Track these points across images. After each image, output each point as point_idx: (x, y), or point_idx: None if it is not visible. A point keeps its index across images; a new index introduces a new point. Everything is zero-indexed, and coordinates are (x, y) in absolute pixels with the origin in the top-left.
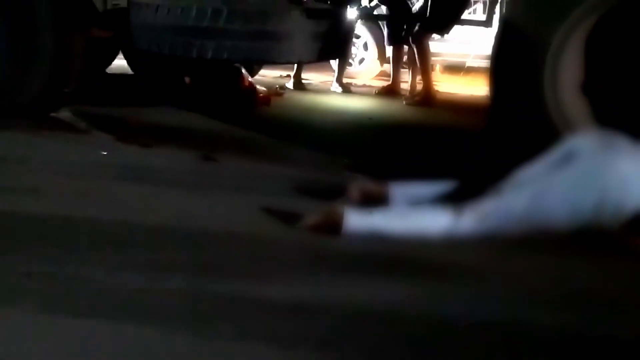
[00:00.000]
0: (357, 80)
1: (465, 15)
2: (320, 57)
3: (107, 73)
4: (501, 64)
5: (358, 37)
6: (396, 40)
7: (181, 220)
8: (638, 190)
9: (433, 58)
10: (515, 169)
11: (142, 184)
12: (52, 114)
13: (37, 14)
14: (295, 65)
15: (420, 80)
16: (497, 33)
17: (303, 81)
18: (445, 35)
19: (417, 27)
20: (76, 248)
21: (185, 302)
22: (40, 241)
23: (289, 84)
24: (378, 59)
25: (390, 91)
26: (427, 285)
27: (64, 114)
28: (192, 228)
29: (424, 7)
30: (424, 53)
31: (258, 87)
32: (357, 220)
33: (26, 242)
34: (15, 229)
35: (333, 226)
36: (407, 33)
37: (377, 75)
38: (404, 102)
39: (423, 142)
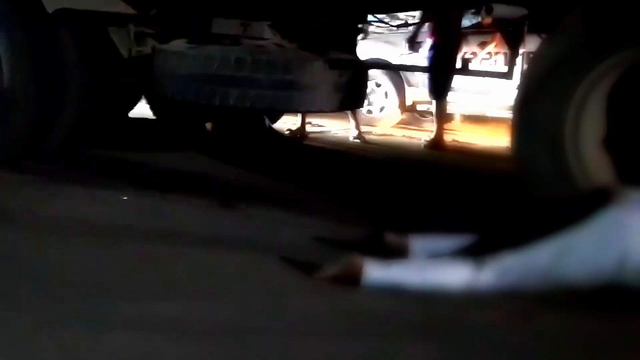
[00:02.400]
0: (376, 129)
1: (486, 66)
2: (341, 107)
3: (130, 117)
4: (523, 117)
5: (379, 85)
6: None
7: (197, 272)
8: None
9: (453, 108)
10: (537, 224)
11: (160, 232)
12: (77, 158)
13: (64, 60)
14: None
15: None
16: (520, 86)
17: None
18: (466, 86)
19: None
20: (78, 300)
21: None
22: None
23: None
24: (399, 107)
25: (436, 145)
26: (444, 344)
27: (89, 158)
28: (209, 280)
29: None
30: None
31: (279, 132)
32: (376, 272)
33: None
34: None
35: (352, 277)
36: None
37: (397, 124)
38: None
39: (444, 193)
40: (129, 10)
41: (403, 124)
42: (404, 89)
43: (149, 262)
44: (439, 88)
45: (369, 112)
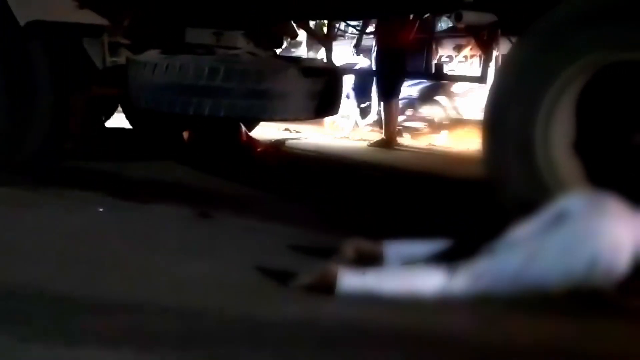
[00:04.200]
0: (354, 133)
1: (461, 70)
2: (316, 114)
3: (106, 127)
4: (493, 122)
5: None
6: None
7: (174, 284)
8: (629, 250)
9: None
10: (508, 228)
11: (136, 244)
12: (52, 170)
13: (36, 72)
14: None
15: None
16: (490, 89)
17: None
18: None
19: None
20: (61, 316)
21: None
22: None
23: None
24: (377, 114)
25: (384, 144)
26: (418, 350)
27: (63, 170)
28: (185, 291)
29: None
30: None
31: (256, 140)
32: (350, 280)
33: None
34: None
35: (327, 286)
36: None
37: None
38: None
39: (417, 196)
40: (103, 21)
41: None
42: None
43: (123, 274)
44: (387, 91)
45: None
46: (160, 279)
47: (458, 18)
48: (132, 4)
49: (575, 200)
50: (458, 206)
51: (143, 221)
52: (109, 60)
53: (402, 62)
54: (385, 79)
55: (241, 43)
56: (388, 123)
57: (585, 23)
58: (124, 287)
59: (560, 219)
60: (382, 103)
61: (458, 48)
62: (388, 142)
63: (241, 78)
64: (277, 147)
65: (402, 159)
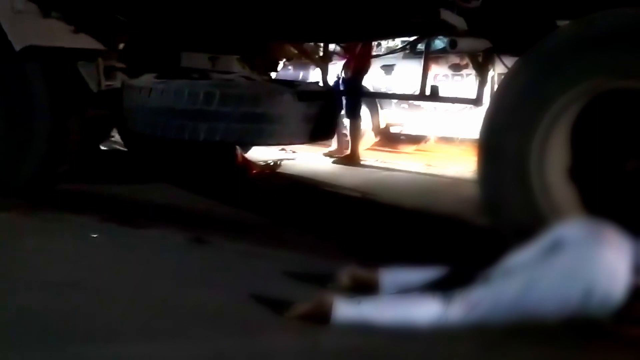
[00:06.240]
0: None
1: (456, 92)
2: (312, 138)
3: (101, 149)
4: (489, 147)
5: None
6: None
7: (168, 311)
8: (624, 279)
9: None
10: (503, 254)
11: (129, 270)
12: (48, 193)
13: (33, 96)
14: None
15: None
16: (486, 114)
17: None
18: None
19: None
20: (56, 342)
21: None
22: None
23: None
24: (372, 130)
25: (349, 159)
26: None
27: (59, 193)
28: (179, 319)
29: None
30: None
31: (251, 162)
32: (346, 310)
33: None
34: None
35: (322, 316)
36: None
37: (372, 146)
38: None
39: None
40: (98, 45)
41: (377, 146)
42: (378, 111)
43: (117, 302)
44: (351, 109)
45: (344, 135)
46: (154, 307)
47: (453, 45)
48: (128, 29)
49: (571, 228)
50: (454, 230)
51: (138, 247)
52: (104, 83)
53: (361, 83)
54: (351, 99)
55: (236, 67)
56: (354, 140)
57: (580, 50)
58: (115, 315)
59: (557, 246)
60: (348, 121)
61: (455, 67)
62: (352, 158)
63: (237, 102)
64: (272, 169)
65: (394, 181)
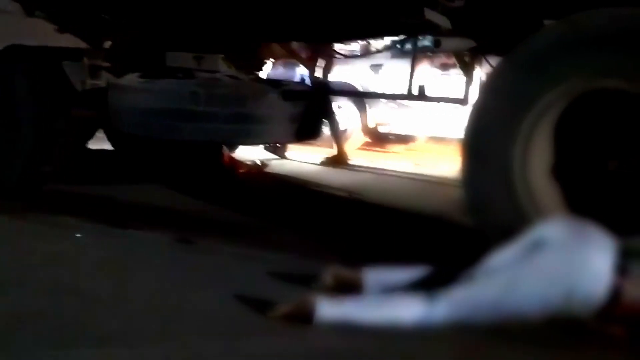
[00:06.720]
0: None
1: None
2: (298, 138)
3: (87, 149)
4: (472, 147)
5: (340, 107)
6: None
7: (152, 313)
8: (606, 278)
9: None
10: (487, 254)
11: (114, 271)
12: (33, 194)
13: (16, 96)
14: None
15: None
16: (470, 113)
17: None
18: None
19: None
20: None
21: None
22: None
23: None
24: (362, 130)
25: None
26: None
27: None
28: (163, 321)
29: None
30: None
31: (238, 161)
32: (329, 310)
33: None
34: None
35: (305, 316)
36: None
37: (361, 146)
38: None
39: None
40: (83, 44)
41: (367, 146)
42: (366, 111)
43: (100, 304)
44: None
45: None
46: (139, 308)
47: (437, 45)
48: (113, 28)
49: (552, 227)
50: (438, 230)
51: (123, 248)
52: (89, 83)
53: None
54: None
55: (222, 66)
56: (337, 139)
57: (564, 50)
58: (99, 317)
59: (539, 246)
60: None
61: (443, 66)
62: (339, 158)
63: (222, 102)
64: (258, 169)
65: (381, 183)
